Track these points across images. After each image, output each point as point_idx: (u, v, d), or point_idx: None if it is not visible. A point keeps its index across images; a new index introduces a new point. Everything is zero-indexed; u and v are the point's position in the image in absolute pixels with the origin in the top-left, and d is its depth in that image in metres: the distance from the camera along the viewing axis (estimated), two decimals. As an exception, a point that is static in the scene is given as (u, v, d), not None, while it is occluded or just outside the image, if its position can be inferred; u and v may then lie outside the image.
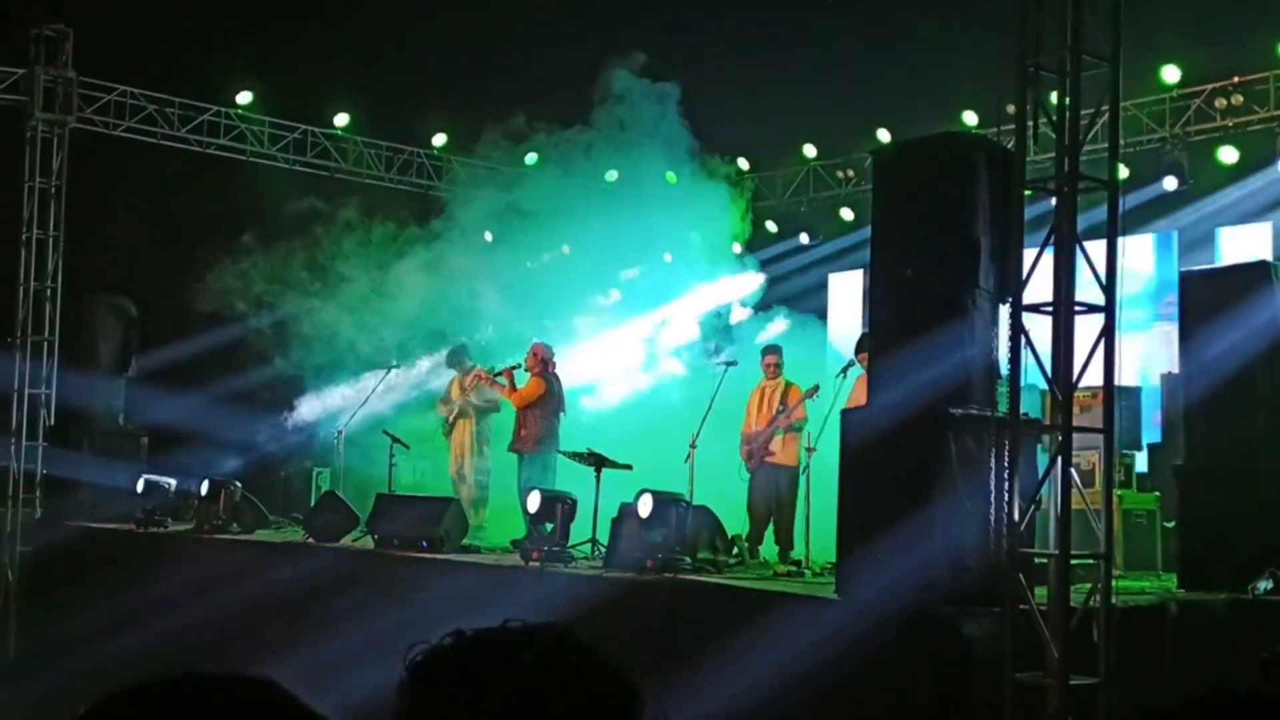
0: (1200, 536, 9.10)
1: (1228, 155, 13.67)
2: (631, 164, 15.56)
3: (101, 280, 15.48)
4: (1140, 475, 12.20)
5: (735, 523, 11.18)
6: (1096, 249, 7.18)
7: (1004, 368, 7.49)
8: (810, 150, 17.31)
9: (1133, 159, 14.20)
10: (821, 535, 10.35)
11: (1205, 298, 9.66)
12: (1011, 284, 7.29)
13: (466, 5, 15.75)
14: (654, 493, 9.85)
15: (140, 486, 13.99)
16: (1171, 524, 10.44)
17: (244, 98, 16.54)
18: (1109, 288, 7.06)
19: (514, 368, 13.10)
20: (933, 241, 7.78)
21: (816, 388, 11.59)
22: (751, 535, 11.50)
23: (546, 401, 12.93)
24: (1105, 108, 7.35)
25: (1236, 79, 13.50)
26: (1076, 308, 7.09)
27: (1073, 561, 7.23)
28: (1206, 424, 9.50)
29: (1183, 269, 11.09)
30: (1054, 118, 7.19)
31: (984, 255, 7.59)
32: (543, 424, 12.86)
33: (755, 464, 11.81)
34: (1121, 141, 13.77)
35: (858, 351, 10.76)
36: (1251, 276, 9.34)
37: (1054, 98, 7.26)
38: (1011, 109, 7.60)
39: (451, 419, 13.93)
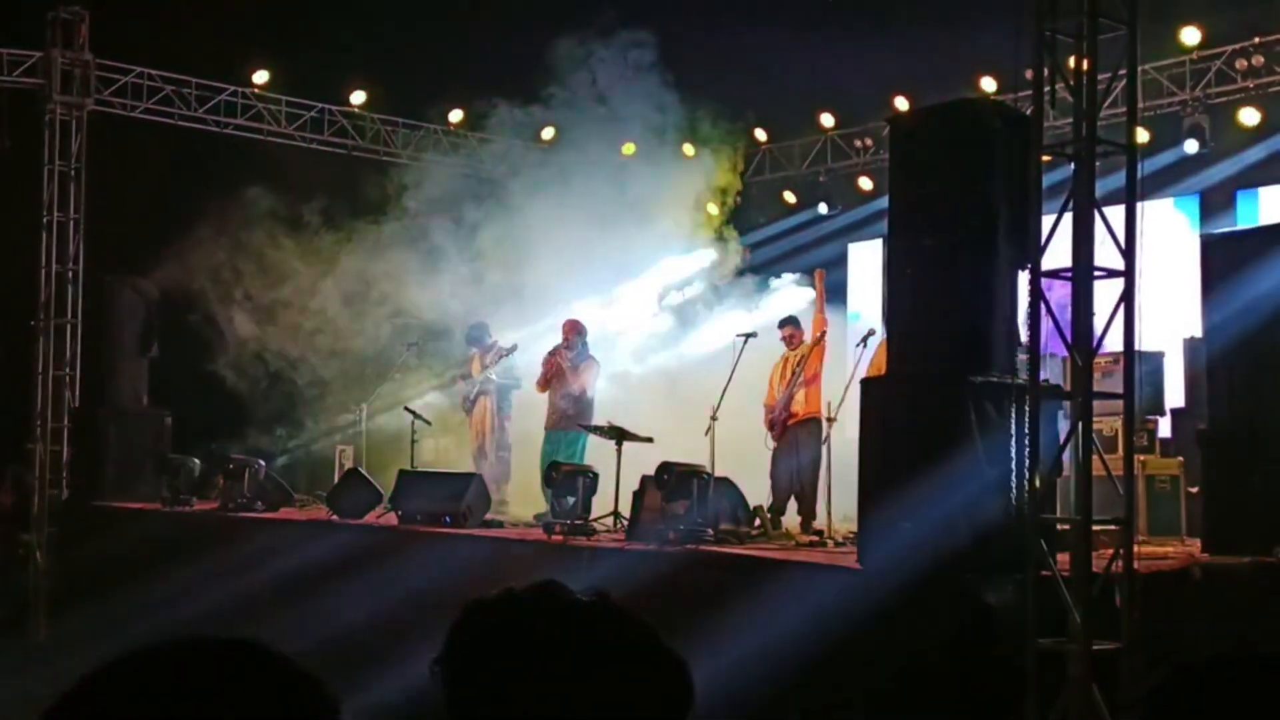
0: (1223, 501, 9.07)
1: (1249, 117, 13.55)
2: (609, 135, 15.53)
3: (123, 262, 15.55)
4: (1164, 440, 12.15)
5: (757, 495, 11.19)
6: (1119, 214, 7.14)
7: (1024, 334, 7.48)
8: (828, 119, 17.23)
9: (1153, 122, 14.13)
10: (844, 506, 10.38)
11: (1226, 261, 9.61)
12: (1030, 250, 7.26)
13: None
14: (675, 465, 9.87)
15: (165, 466, 14.11)
16: (1195, 489, 10.41)
17: (260, 77, 16.56)
18: (1128, 252, 7.03)
19: (511, 349, 13.36)
20: (950, 209, 7.75)
21: (823, 334, 11.69)
22: (774, 506, 11.51)
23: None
24: (1123, 72, 7.29)
25: (1258, 39, 13.37)
26: (1096, 273, 7.06)
27: (1096, 527, 7.23)
28: (1228, 388, 9.46)
29: (1203, 231, 11.02)
30: (1071, 83, 7.14)
31: (1002, 221, 7.55)
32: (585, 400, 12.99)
33: (778, 431, 11.82)
34: (1141, 105, 13.82)
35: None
36: (1273, 238, 9.28)
37: (1071, 62, 7.22)
38: (1030, 74, 7.55)
39: (472, 396, 13.98)
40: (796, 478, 11.58)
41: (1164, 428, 12.28)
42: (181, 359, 15.59)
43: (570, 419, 12.78)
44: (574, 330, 13.20)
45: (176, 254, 15.32)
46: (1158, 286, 13.16)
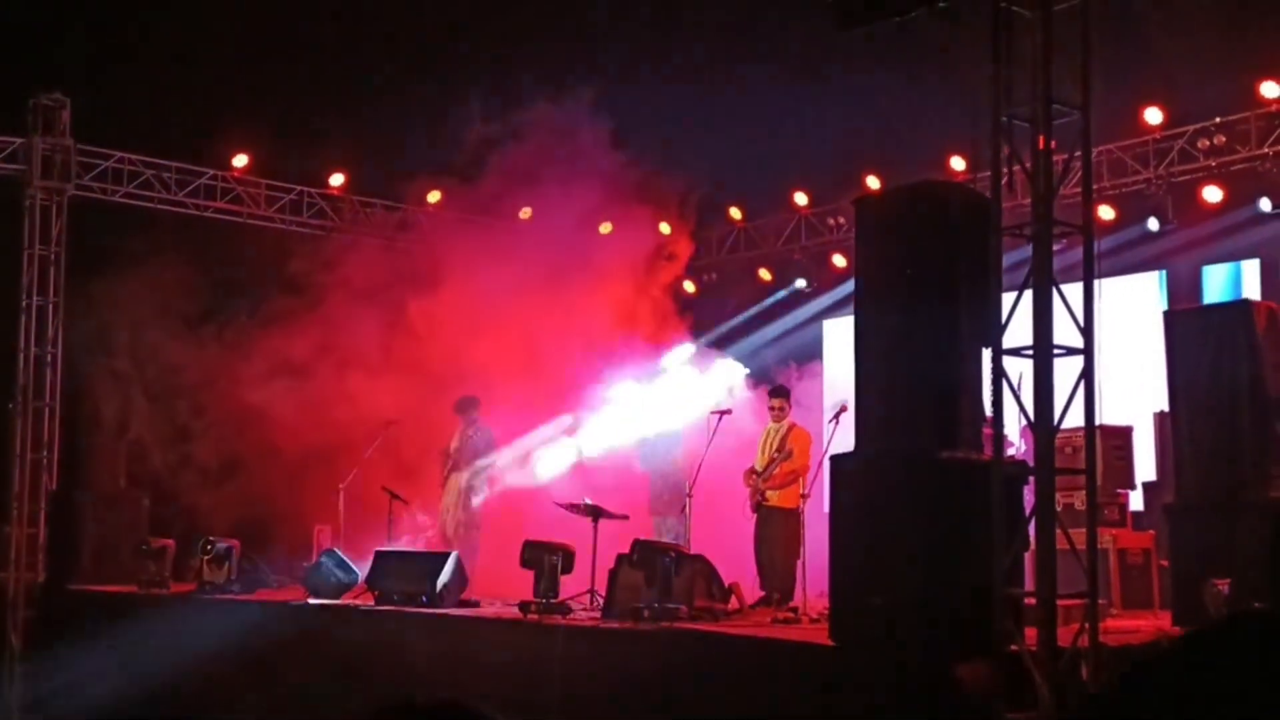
0: (1191, 574, 9.15)
1: (1212, 195, 13.80)
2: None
3: (101, 345, 15.62)
4: (1136, 514, 12.25)
5: (733, 571, 11.22)
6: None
7: (989, 410, 7.61)
8: (801, 198, 17.48)
9: (1118, 200, 14.39)
10: (818, 581, 10.42)
11: (1189, 336, 9.78)
12: (992, 328, 7.41)
13: (465, 68, 15.97)
14: (644, 543, 9.92)
15: (142, 548, 14.07)
16: (1166, 562, 10.49)
17: (240, 160, 16.75)
18: (1087, 330, 7.17)
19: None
20: (914, 288, 7.90)
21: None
22: (760, 579, 11.59)
23: None
24: (1079, 154, 7.49)
25: (1218, 119, 13.66)
26: (1056, 350, 7.20)
27: (1062, 602, 7.31)
28: (1194, 462, 9.59)
29: (1165, 309, 11.20)
30: (1028, 166, 7.33)
31: (964, 300, 7.71)
32: None
33: (753, 505, 11.90)
34: (1106, 183, 14.11)
35: None
36: (1232, 314, 9.46)
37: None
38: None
39: (446, 471, 14.05)
40: (768, 552, 11.65)
41: (1137, 501, 12.38)
42: (160, 439, 15.62)
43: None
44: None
45: (159, 337, 15.42)
46: (1130, 361, 13.39)
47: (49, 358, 15.44)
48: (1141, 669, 1.28)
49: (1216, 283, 14.05)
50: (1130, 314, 14.00)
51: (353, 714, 1.44)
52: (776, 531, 11.62)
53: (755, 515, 11.90)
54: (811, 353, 17.27)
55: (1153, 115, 14.00)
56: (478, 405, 14.40)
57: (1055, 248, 7.52)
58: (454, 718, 1.49)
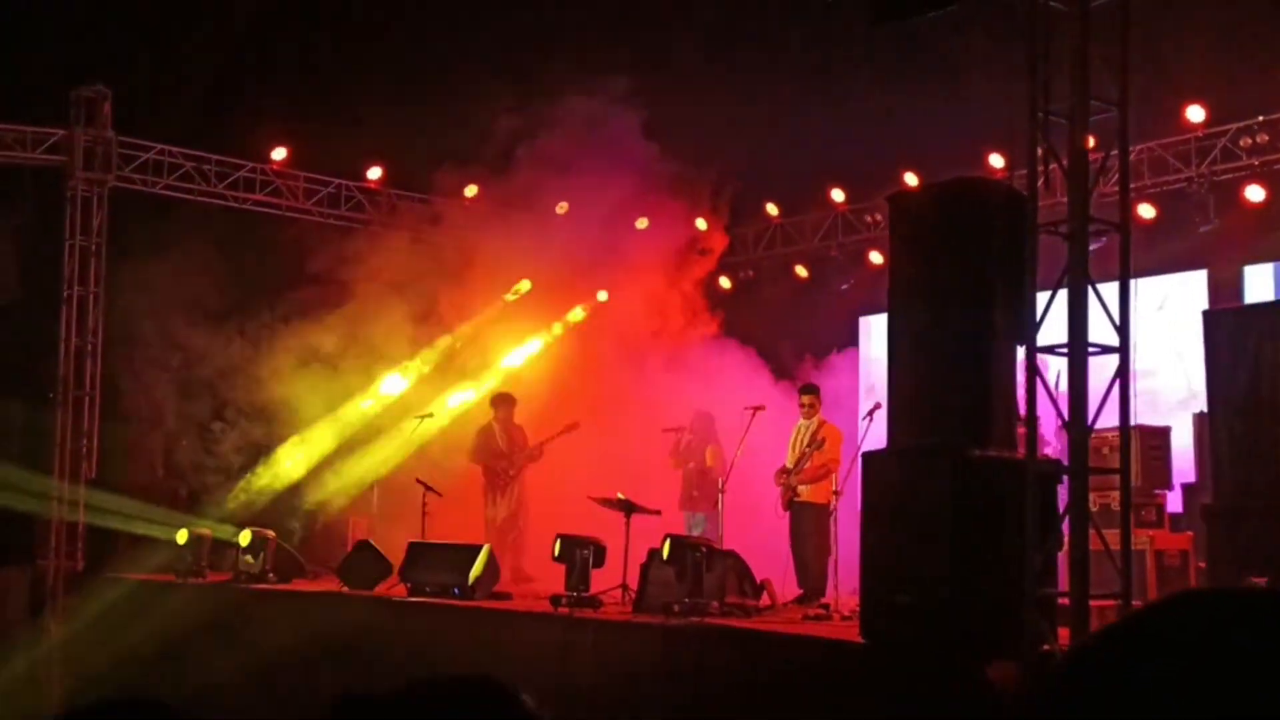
0: (1228, 575, 9.07)
1: (1255, 194, 13.64)
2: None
3: (142, 335, 15.75)
4: (1174, 515, 12.13)
5: (765, 568, 11.20)
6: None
7: (1022, 408, 7.56)
8: (838, 194, 17.40)
9: (1159, 198, 14.25)
10: (851, 578, 10.39)
11: (1228, 336, 9.69)
12: (1026, 326, 7.35)
13: (501, 60, 15.99)
14: (675, 538, 9.92)
15: (180, 537, 14.18)
16: (1204, 564, 10.40)
17: (279, 153, 16.85)
18: (1122, 328, 7.11)
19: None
20: (948, 285, 7.86)
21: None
22: (796, 576, 11.57)
23: None
24: (1116, 151, 7.43)
25: (1261, 118, 13.50)
26: (1091, 349, 7.15)
27: (1094, 602, 7.25)
28: (1233, 462, 9.50)
29: (1204, 308, 11.09)
30: (1065, 162, 7.27)
31: (999, 298, 7.66)
32: None
33: (784, 503, 11.88)
34: (1147, 181, 13.98)
35: None
36: (1274, 314, 9.36)
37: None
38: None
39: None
40: (799, 549, 11.63)
41: (1176, 504, 12.26)
42: (199, 431, 15.78)
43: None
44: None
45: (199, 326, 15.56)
46: (1174, 361, 13.28)
47: (89, 348, 15.58)
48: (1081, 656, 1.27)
49: (1258, 283, 13.89)
50: (1171, 313, 13.90)
51: (384, 689, 1.47)
52: (808, 527, 11.58)
53: (788, 513, 11.87)
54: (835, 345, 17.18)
55: (1194, 113, 13.85)
56: (514, 403, 14.49)
57: (1093, 245, 7.46)
58: (483, 692, 1.52)
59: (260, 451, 15.96)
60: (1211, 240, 13.90)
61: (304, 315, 15.83)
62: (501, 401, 14.52)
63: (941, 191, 8.61)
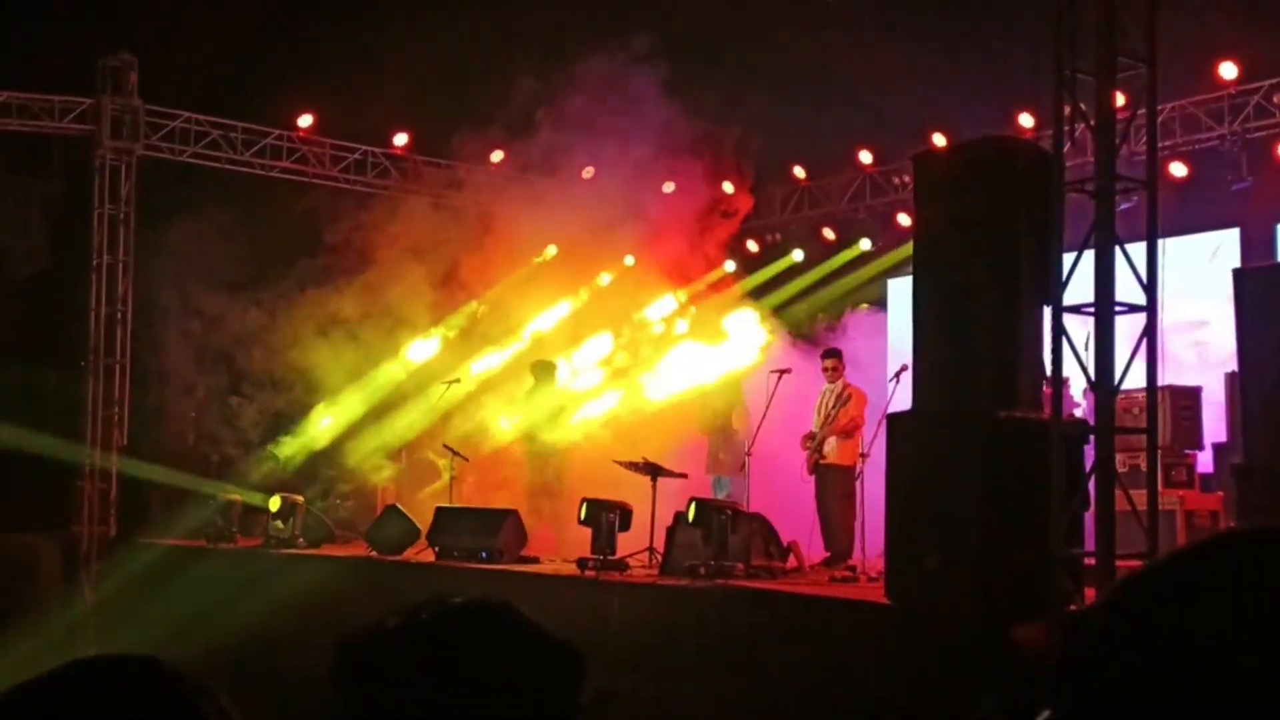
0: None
1: (1288, 151, 13.46)
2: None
3: (171, 303, 15.83)
4: (1205, 476, 12.05)
5: (792, 530, 11.20)
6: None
7: (1048, 369, 7.51)
8: (866, 156, 17.28)
9: (1192, 156, 14.08)
10: (878, 541, 10.37)
11: (1261, 295, 9.58)
12: (1052, 286, 7.29)
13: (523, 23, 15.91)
14: (700, 501, 9.93)
15: (211, 503, 14.31)
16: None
17: (305, 120, 16.85)
18: (1150, 287, 7.04)
19: None
20: (974, 246, 7.79)
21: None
22: (823, 539, 11.56)
23: None
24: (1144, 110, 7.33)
25: (1295, 74, 13.31)
26: (1118, 308, 7.08)
27: (1120, 562, 7.21)
28: (1265, 423, 9.41)
29: (1235, 267, 10.97)
30: (1092, 121, 7.19)
31: (1025, 258, 7.59)
32: None
33: (810, 467, 11.85)
34: (1178, 140, 13.82)
35: None
36: (1305, 273, 9.24)
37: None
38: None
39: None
40: (826, 511, 11.61)
41: (1206, 463, 12.18)
42: (224, 397, 15.88)
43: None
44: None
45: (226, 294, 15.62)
46: (1206, 321, 13.16)
47: (119, 315, 15.68)
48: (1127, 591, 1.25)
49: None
50: (1225, 262, 13.72)
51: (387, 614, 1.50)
52: (835, 490, 11.55)
53: (814, 477, 11.84)
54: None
55: (1227, 70, 13.65)
56: (555, 371, 14.49)
57: (1124, 205, 7.38)
58: (484, 613, 1.57)
59: (288, 419, 16.03)
60: (1245, 198, 13.73)
61: (330, 282, 15.85)
62: (543, 369, 14.50)
63: (967, 151, 8.54)
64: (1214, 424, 12.02)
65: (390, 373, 16.37)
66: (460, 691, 1.51)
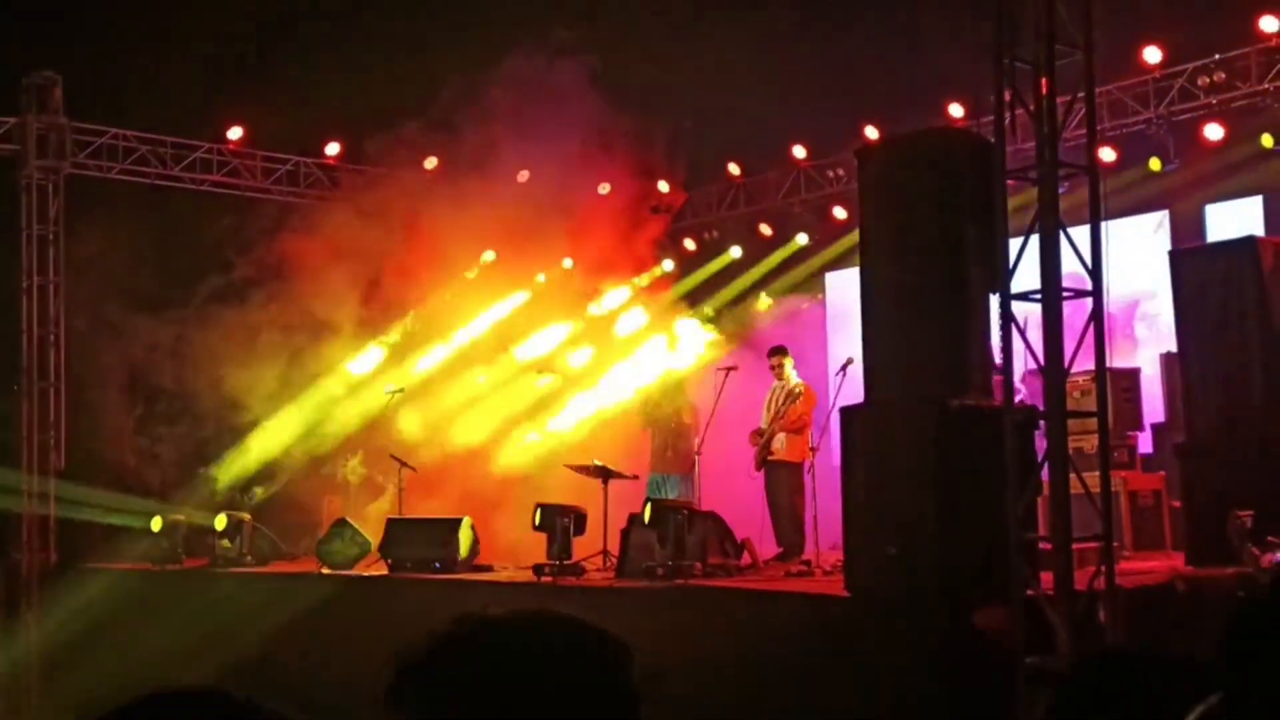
0: (1204, 513, 9.14)
1: (1214, 133, 13.69)
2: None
3: (105, 324, 15.56)
4: (1146, 456, 12.22)
5: (745, 527, 11.23)
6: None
7: (997, 356, 7.58)
8: (800, 151, 17.35)
9: (1119, 141, 14.27)
10: (830, 535, 10.43)
11: (1196, 276, 9.73)
12: (999, 274, 7.36)
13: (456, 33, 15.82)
14: (657, 502, 9.93)
15: (155, 525, 14.07)
16: (1178, 503, 10.48)
17: (235, 133, 16.64)
18: (1095, 272, 7.13)
19: None
20: (919, 236, 7.85)
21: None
22: (775, 535, 11.60)
23: None
24: (1082, 94, 7.42)
25: (1218, 56, 13.52)
26: (1064, 293, 7.16)
27: (1077, 545, 7.30)
28: (1205, 401, 9.57)
29: (1171, 248, 11.14)
30: (1031, 108, 7.26)
31: (970, 246, 7.66)
32: None
33: (758, 462, 11.89)
34: (1106, 125, 14.00)
35: None
36: (1239, 251, 9.41)
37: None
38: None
39: None
40: (776, 507, 11.66)
41: (1146, 443, 12.35)
42: (165, 417, 15.64)
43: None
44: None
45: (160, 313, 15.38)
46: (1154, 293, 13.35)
47: (51, 338, 15.39)
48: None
49: (1219, 221, 13.95)
50: (1142, 252, 13.95)
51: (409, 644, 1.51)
52: (784, 485, 11.61)
53: (762, 472, 11.88)
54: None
55: (1151, 54, 13.86)
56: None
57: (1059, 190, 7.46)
58: (529, 620, 1.60)
59: (228, 437, 15.81)
60: (1172, 181, 13.95)
61: (262, 297, 15.65)
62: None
63: (909, 143, 8.60)
64: (1152, 404, 12.21)
65: (330, 386, 16.22)
66: (524, 698, 1.54)
